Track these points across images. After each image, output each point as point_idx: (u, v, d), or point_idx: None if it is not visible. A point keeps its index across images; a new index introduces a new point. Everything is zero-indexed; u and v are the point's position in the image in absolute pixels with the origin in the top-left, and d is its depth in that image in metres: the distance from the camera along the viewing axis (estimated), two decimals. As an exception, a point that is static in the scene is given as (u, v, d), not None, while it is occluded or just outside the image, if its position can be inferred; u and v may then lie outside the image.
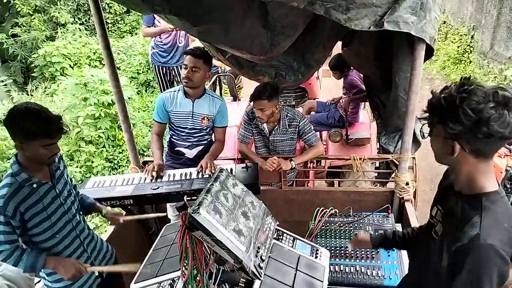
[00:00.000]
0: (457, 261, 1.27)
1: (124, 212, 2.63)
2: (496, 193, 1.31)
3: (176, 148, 3.26)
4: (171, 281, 1.98)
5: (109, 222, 2.80)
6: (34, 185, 2.03)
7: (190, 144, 3.20)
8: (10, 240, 1.98)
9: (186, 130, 3.13)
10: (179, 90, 3.08)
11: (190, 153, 3.24)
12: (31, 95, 8.11)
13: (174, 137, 3.23)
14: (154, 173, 2.94)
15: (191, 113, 3.07)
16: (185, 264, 1.77)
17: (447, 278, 1.31)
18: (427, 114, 1.36)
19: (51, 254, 2.14)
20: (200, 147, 3.23)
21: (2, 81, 8.07)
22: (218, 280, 1.83)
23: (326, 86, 8.41)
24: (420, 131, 1.37)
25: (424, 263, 1.52)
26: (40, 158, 2.02)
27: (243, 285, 1.85)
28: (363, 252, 2.57)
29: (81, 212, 2.37)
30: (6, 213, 1.92)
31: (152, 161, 3.09)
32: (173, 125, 3.17)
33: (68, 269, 2.12)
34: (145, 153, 6.55)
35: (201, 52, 2.93)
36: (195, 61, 2.89)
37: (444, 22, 10.77)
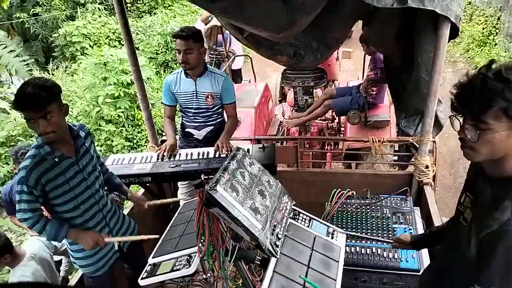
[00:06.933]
0: (487, 247, 1.24)
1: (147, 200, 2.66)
2: None
3: (186, 130, 3.28)
4: (188, 257, 2.02)
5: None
6: (56, 159, 2.06)
7: (197, 124, 3.20)
8: (33, 208, 2.05)
9: (192, 111, 3.14)
10: (181, 72, 3.09)
11: (199, 134, 3.25)
12: (52, 74, 8.25)
13: (184, 118, 3.26)
14: (166, 153, 2.98)
15: (195, 92, 3.07)
16: (202, 241, 1.80)
17: (475, 265, 1.28)
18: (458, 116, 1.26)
19: (73, 225, 2.20)
20: (209, 128, 3.22)
21: (24, 61, 8.19)
22: (234, 257, 1.86)
23: (346, 68, 8.28)
24: (465, 138, 1.24)
25: (452, 250, 1.49)
26: (38, 133, 2.00)
27: (259, 262, 1.87)
28: (379, 234, 2.56)
29: (105, 188, 2.40)
30: (28, 183, 1.98)
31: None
32: (181, 107, 3.20)
33: (88, 240, 2.19)
34: (163, 133, 6.60)
35: (189, 32, 2.90)
36: (186, 43, 2.87)
37: (470, 3, 10.39)
